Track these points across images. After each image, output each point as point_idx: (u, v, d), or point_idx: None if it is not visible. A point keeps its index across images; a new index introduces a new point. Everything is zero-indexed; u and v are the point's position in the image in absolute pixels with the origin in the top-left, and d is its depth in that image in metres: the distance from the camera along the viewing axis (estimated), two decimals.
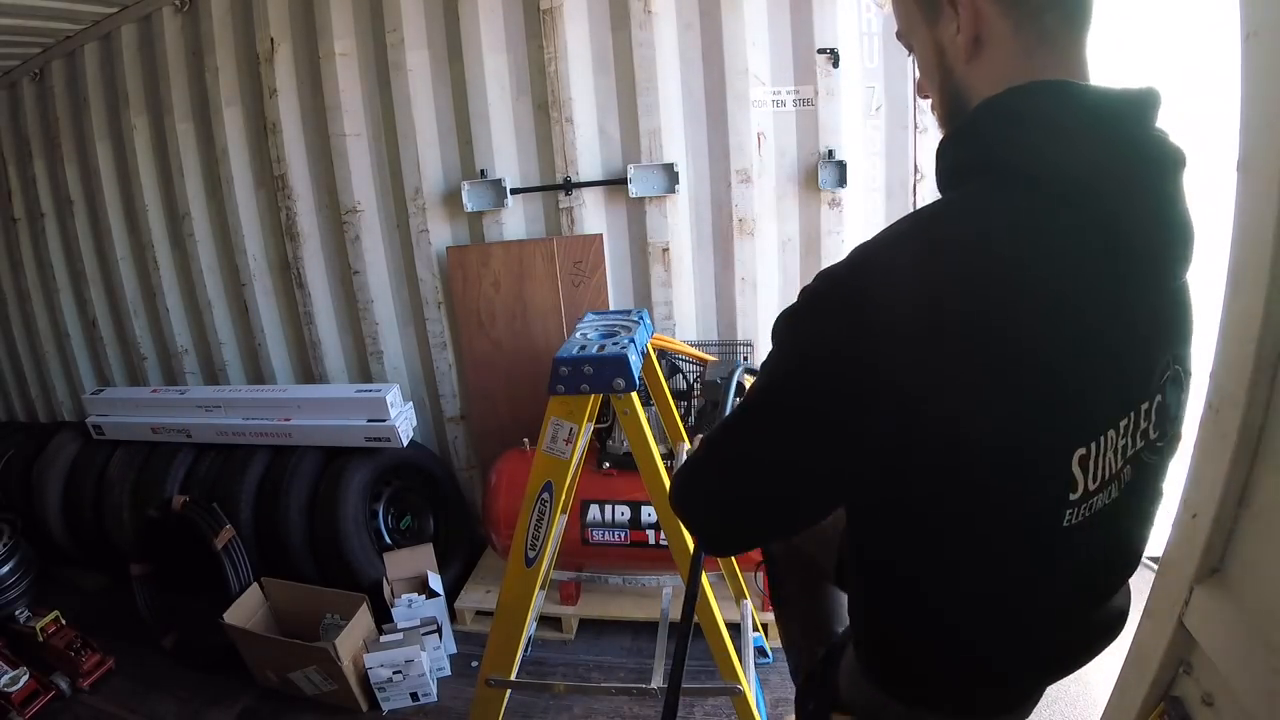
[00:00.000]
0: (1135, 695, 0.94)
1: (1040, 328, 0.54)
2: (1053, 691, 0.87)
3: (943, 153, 0.66)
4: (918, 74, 0.72)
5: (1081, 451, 0.58)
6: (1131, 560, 0.77)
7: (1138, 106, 0.62)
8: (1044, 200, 0.57)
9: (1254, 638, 0.74)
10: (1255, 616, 0.76)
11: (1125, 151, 0.60)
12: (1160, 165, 0.62)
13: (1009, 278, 0.54)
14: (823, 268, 0.62)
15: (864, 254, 0.59)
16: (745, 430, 0.66)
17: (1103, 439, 0.60)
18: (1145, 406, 0.64)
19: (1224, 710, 0.80)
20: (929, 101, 0.72)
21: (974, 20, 0.62)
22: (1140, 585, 0.84)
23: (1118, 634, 0.80)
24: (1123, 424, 0.62)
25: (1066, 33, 0.61)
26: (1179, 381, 0.68)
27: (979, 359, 0.53)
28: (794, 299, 0.63)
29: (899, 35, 0.73)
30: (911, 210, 0.67)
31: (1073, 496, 0.59)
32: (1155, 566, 0.94)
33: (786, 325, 0.63)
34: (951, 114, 0.68)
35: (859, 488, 0.65)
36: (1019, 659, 0.74)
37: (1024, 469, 0.58)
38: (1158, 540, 0.92)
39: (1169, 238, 0.62)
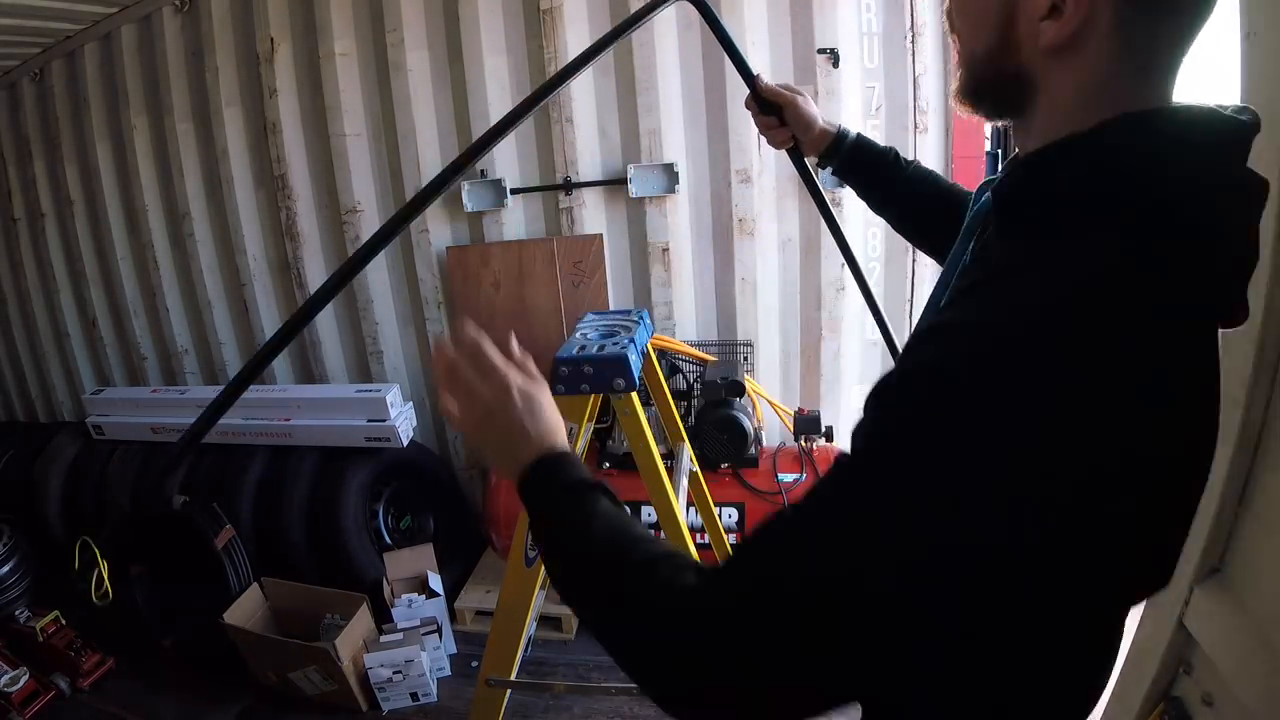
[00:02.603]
0: (1135, 695, 0.94)
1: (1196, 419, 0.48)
2: None
3: (1049, 169, 0.52)
4: (954, 14, 0.60)
5: None
6: None
7: (1243, 137, 0.50)
8: (1178, 253, 0.46)
9: (1254, 638, 0.74)
10: (1255, 616, 0.76)
11: (1238, 195, 0.50)
12: (1255, 202, 0.51)
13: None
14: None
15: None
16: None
17: None
18: None
19: (1224, 710, 0.80)
20: (953, 38, 0.61)
21: (1086, 13, 0.49)
22: None
23: None
24: None
25: (1169, 53, 0.50)
26: None
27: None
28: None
29: None
30: None
31: None
32: None
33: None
34: (994, 86, 0.57)
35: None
36: None
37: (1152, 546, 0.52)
38: None
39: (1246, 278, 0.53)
